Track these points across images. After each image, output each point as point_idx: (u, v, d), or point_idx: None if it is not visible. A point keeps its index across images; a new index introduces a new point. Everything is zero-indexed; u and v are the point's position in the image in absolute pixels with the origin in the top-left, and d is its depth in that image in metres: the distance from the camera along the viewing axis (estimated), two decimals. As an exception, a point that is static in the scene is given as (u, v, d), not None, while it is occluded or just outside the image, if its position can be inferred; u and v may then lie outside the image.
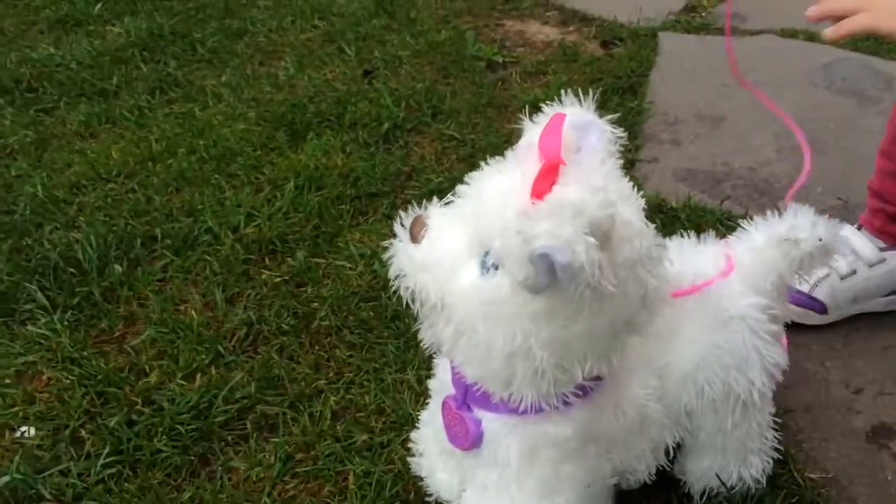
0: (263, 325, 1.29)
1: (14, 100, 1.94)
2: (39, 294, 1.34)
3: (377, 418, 1.13)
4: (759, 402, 0.92)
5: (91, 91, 1.99)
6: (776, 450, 1.00)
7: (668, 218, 1.50)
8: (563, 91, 0.76)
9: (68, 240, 1.46)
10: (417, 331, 0.82)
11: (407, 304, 0.78)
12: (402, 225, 0.78)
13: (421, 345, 0.82)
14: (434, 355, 0.89)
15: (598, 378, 0.81)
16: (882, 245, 1.26)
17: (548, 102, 0.76)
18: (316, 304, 1.33)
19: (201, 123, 1.85)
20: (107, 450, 1.08)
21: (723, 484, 0.98)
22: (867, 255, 1.26)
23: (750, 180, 1.62)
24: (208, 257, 1.44)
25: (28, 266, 1.40)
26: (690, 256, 0.92)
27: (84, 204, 1.59)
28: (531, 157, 0.72)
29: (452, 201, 0.78)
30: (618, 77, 2.00)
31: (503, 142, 1.79)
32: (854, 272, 1.26)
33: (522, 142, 0.75)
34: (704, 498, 0.99)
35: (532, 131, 0.75)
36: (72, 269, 1.39)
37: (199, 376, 1.20)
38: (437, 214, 0.78)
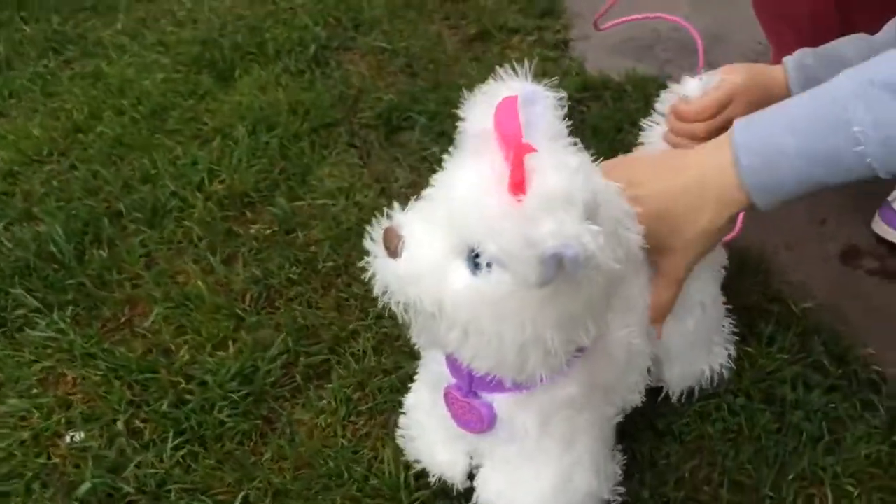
0: (271, 280, 1.31)
1: None
2: (28, 297, 1.30)
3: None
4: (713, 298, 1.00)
5: (-23, 66, 1.83)
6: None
7: (616, 94, 1.57)
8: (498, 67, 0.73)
9: (33, 233, 1.40)
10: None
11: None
12: (373, 239, 0.76)
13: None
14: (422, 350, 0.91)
15: None
16: None
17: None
18: (314, 247, 1.35)
19: (116, 80, 1.75)
20: (171, 433, 1.10)
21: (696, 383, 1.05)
22: None
23: (678, 41, 1.71)
24: (186, 223, 1.42)
25: (2, 271, 1.34)
26: None
27: (30, 192, 1.51)
28: (490, 145, 0.70)
29: (417, 204, 0.76)
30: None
31: (434, 45, 1.80)
32: None
33: (470, 127, 0.73)
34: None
35: (475, 112, 0.73)
36: (53, 265, 1.35)
37: (230, 343, 1.22)
38: (408, 223, 0.75)
